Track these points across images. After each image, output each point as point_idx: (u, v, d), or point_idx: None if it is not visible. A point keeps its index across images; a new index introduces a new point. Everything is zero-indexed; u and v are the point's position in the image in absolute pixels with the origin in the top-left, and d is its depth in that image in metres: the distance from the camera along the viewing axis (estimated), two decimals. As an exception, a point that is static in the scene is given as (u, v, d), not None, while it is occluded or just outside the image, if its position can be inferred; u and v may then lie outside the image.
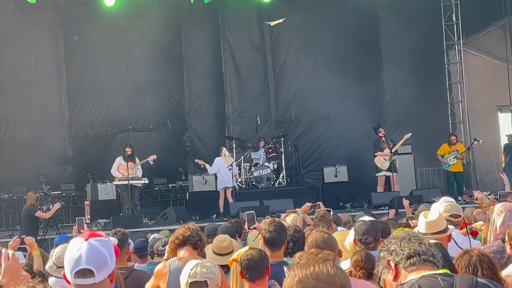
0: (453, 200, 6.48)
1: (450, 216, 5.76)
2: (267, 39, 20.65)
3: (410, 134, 17.53)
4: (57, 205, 14.91)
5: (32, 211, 14.39)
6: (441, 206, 5.90)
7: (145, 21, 19.29)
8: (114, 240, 6.78)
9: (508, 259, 5.16)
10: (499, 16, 19.93)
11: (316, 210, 8.74)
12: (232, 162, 17.43)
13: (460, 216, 5.90)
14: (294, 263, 2.67)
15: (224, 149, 17.73)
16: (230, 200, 17.21)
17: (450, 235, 4.98)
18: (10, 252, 3.43)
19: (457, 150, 18.26)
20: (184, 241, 5.37)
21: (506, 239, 5.17)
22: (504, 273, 4.47)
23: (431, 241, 3.56)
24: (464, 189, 18.53)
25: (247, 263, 4.72)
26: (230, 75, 20.50)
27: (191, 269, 4.13)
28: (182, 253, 5.31)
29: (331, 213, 8.53)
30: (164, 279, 5.03)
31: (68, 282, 3.11)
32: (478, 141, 18.40)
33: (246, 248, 4.94)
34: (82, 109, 19.43)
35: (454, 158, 18.23)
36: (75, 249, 3.07)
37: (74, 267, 3.04)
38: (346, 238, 5.87)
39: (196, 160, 18.26)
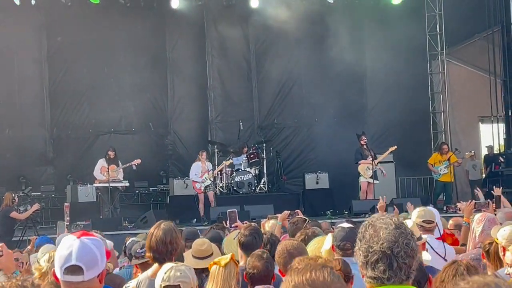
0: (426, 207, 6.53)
1: (423, 221, 5.80)
2: (252, 45, 20.64)
3: (396, 147, 17.52)
4: (36, 206, 14.81)
5: (8, 212, 14.27)
6: (415, 212, 5.96)
7: (130, 24, 19.31)
8: (110, 243, 6.73)
9: (482, 266, 5.22)
10: (482, 28, 20.10)
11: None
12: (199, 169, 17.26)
13: (433, 222, 5.94)
14: (292, 268, 2.63)
15: (199, 155, 17.57)
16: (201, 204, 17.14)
17: (424, 244, 5.00)
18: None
19: (448, 160, 18.02)
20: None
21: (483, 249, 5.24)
22: None
23: None
24: (451, 199, 18.42)
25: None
26: (214, 80, 20.45)
27: (165, 273, 4.08)
28: (153, 266, 5.16)
29: (306, 222, 8.47)
30: None
31: (57, 279, 3.12)
32: (457, 152, 18.35)
33: (229, 255, 4.87)
34: (64, 111, 19.36)
35: (445, 167, 17.99)
36: (66, 246, 3.09)
37: (64, 263, 3.06)
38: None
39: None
